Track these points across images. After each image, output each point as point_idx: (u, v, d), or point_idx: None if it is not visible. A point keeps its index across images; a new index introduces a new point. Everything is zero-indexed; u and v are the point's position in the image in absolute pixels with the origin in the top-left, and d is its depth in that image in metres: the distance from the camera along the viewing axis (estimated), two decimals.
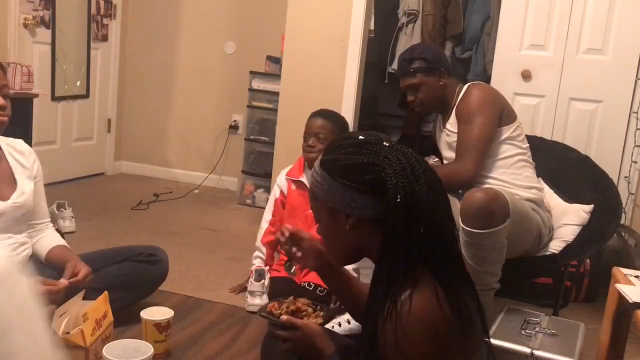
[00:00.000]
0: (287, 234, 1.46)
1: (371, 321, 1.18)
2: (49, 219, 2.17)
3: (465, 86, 2.41)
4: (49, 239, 2.07)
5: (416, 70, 2.38)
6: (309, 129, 2.56)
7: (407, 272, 1.12)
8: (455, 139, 2.34)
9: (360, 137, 1.23)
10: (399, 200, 1.13)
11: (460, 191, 2.36)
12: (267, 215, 2.66)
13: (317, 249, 1.45)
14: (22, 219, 2.00)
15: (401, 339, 1.07)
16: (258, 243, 2.61)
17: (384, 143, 1.21)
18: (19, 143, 2.08)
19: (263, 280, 2.43)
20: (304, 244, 1.46)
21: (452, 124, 2.39)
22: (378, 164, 1.16)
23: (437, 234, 1.15)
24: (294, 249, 1.46)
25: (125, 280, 2.12)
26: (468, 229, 2.01)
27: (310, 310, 1.43)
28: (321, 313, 1.42)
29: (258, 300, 2.40)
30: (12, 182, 1.98)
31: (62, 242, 2.09)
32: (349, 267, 2.51)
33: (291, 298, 1.45)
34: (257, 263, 2.56)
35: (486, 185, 2.25)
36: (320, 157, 1.27)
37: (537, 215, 2.26)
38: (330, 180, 1.22)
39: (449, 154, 2.42)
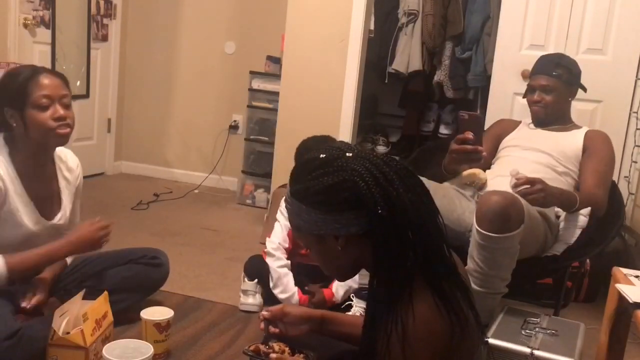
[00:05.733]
0: (262, 318, 1.48)
1: (371, 333, 1.17)
2: None
3: (585, 127, 2.54)
4: None
5: (558, 76, 2.44)
6: None
7: (404, 281, 1.12)
8: (569, 146, 2.44)
9: (322, 155, 1.20)
10: (380, 211, 1.11)
11: (472, 194, 2.36)
12: (277, 239, 2.49)
13: (304, 317, 1.47)
14: (55, 237, 2.00)
15: (408, 350, 1.07)
16: (271, 251, 2.47)
17: (347, 154, 1.18)
18: (71, 157, 2.07)
19: (256, 280, 2.43)
20: (289, 319, 1.47)
21: (571, 140, 2.48)
22: (349, 179, 1.14)
23: (426, 233, 1.14)
24: (271, 328, 1.48)
25: (129, 282, 2.12)
26: (483, 232, 1.99)
27: (289, 350, 1.44)
28: (301, 356, 1.43)
29: (251, 300, 2.40)
30: (59, 202, 2.00)
31: None
32: None
33: (271, 343, 1.46)
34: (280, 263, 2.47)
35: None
36: (288, 189, 1.24)
37: (544, 222, 2.26)
38: (308, 209, 1.19)
39: (533, 153, 2.45)
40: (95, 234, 1.94)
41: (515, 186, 2.11)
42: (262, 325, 1.49)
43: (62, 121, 1.85)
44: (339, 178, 1.15)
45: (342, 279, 1.34)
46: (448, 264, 1.18)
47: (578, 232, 2.33)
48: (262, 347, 1.45)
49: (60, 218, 1.98)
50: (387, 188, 1.12)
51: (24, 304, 1.83)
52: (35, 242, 1.90)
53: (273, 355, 1.33)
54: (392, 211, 1.11)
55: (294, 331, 1.48)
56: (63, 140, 1.91)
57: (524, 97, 2.64)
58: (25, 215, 1.86)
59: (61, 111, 1.84)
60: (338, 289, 2.43)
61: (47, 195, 1.96)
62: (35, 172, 1.92)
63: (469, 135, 2.15)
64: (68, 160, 2.05)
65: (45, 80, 1.84)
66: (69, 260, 2.07)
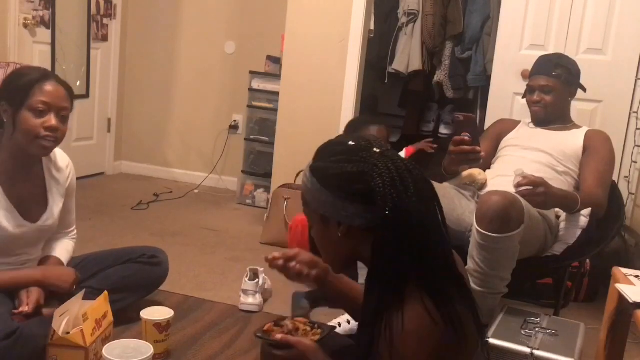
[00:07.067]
0: (271, 257, 1.43)
1: (366, 336, 1.17)
2: (73, 229, 2.14)
3: (585, 127, 2.53)
4: (50, 247, 2.05)
5: (558, 76, 2.44)
6: None
7: (398, 285, 1.11)
8: (569, 145, 2.44)
9: (351, 142, 1.21)
10: (387, 212, 1.11)
11: (472, 194, 2.36)
12: None
13: (313, 260, 1.43)
14: (43, 238, 1.99)
15: (395, 357, 1.07)
16: None
17: (375, 149, 1.18)
18: (60, 157, 2.01)
19: (257, 280, 2.43)
20: (299, 258, 1.43)
21: (571, 140, 2.48)
22: (367, 172, 1.14)
23: (426, 244, 1.14)
24: (292, 264, 1.42)
25: (129, 281, 2.12)
26: (483, 232, 1.99)
27: (308, 329, 1.43)
28: (319, 330, 1.42)
29: (251, 300, 2.41)
30: (44, 203, 1.94)
31: (59, 254, 2.04)
32: None
33: (288, 319, 1.45)
34: None
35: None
36: (310, 163, 1.25)
37: (545, 222, 2.26)
38: (321, 188, 1.20)
39: (533, 153, 2.45)
40: (71, 276, 1.92)
41: (518, 185, 2.11)
42: (269, 258, 1.43)
43: (52, 132, 1.79)
44: (359, 169, 1.16)
45: (336, 268, 1.34)
46: (449, 274, 1.17)
47: (578, 232, 2.32)
48: (272, 327, 1.42)
49: (46, 219, 1.93)
50: (400, 193, 1.12)
51: (21, 308, 1.80)
52: (20, 244, 1.88)
53: (278, 336, 1.32)
54: (398, 216, 1.11)
55: (304, 270, 1.43)
56: (44, 152, 1.85)
57: (523, 98, 2.64)
58: (4, 219, 1.81)
59: (54, 122, 1.78)
60: None
61: (31, 197, 1.90)
62: (17, 173, 1.86)
63: (466, 137, 2.18)
64: (57, 160, 2.00)
65: (51, 87, 1.80)
66: (65, 260, 2.05)
